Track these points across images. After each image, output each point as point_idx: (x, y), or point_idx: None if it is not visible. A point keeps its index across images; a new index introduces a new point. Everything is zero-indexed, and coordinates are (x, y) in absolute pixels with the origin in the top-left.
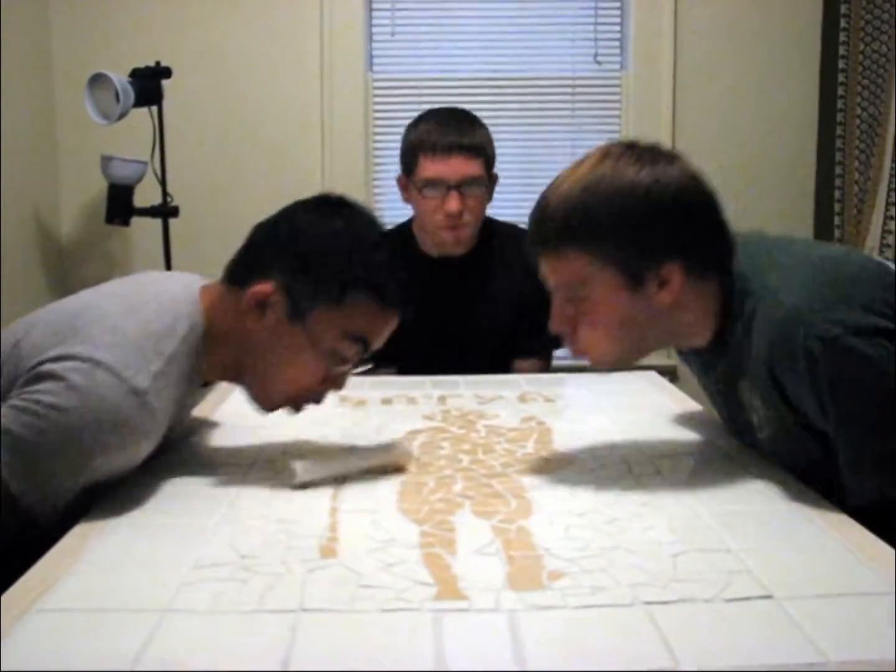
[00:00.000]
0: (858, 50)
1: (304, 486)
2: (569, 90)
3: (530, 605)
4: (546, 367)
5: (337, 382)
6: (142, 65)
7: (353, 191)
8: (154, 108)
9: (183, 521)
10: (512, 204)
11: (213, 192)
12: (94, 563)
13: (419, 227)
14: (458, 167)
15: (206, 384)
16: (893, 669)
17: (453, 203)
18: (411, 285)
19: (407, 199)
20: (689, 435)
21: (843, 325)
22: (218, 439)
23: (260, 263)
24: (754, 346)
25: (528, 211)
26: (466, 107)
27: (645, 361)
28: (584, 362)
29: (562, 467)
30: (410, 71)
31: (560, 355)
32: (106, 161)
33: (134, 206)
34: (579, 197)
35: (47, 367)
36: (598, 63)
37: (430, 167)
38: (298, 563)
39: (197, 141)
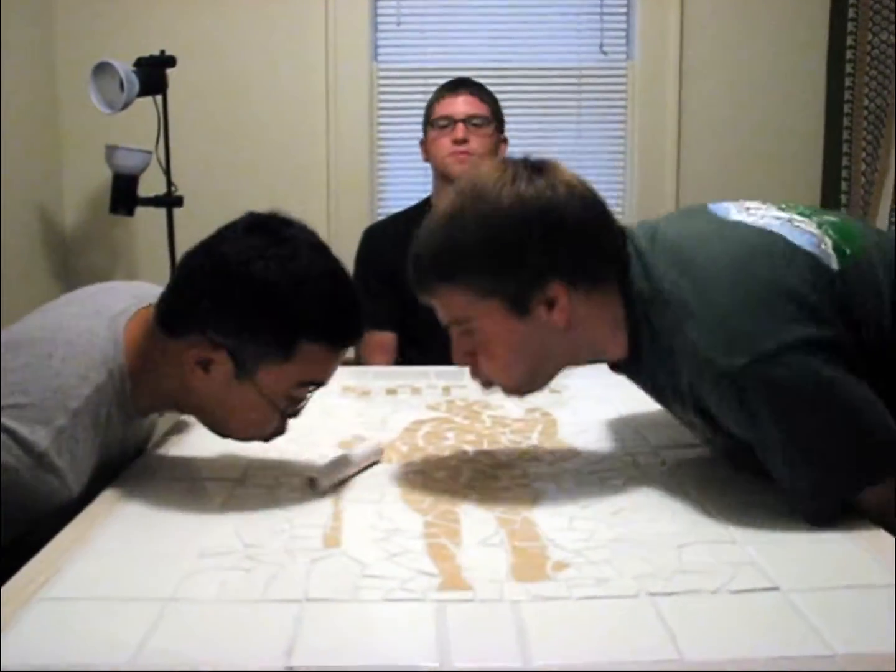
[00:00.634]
0: (866, 40)
1: (325, 492)
2: (575, 80)
3: (534, 596)
4: None
5: (295, 414)
6: (146, 54)
7: (357, 180)
8: (158, 98)
9: (187, 511)
10: None
11: (217, 181)
12: (98, 552)
13: (434, 179)
14: (464, 106)
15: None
16: None
17: (459, 131)
18: (359, 311)
19: (426, 158)
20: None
21: (746, 353)
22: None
23: (195, 316)
24: (676, 374)
25: None
26: None
27: None
28: None
29: (567, 458)
30: (416, 61)
31: None
32: (110, 150)
33: (138, 196)
34: (444, 232)
35: None
36: (604, 53)
37: (441, 108)
38: (302, 552)
39: (201, 130)
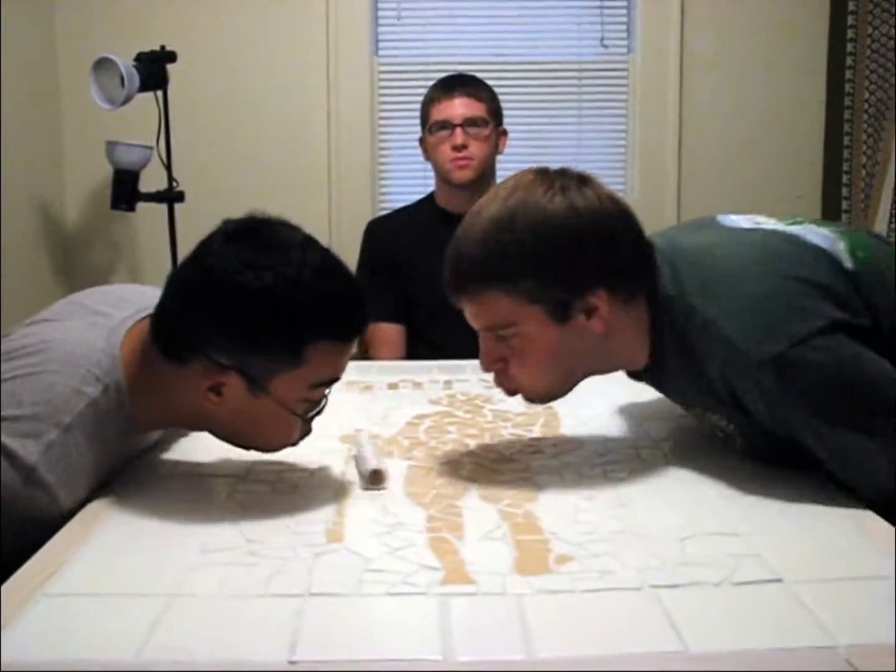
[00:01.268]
0: (867, 34)
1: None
2: (575, 74)
3: (538, 590)
4: None
5: (317, 415)
6: (147, 49)
7: (358, 175)
8: (159, 93)
9: (189, 507)
10: None
11: (218, 177)
12: (101, 548)
13: (436, 179)
14: (461, 109)
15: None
16: None
17: (458, 137)
18: (361, 299)
19: (426, 157)
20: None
21: (778, 340)
22: None
23: (195, 342)
24: (704, 376)
25: None
26: None
27: None
28: None
29: (569, 452)
30: (416, 55)
31: None
32: (111, 146)
33: (139, 192)
34: (494, 235)
35: None
36: (605, 47)
37: (438, 112)
38: (305, 547)
39: (202, 126)
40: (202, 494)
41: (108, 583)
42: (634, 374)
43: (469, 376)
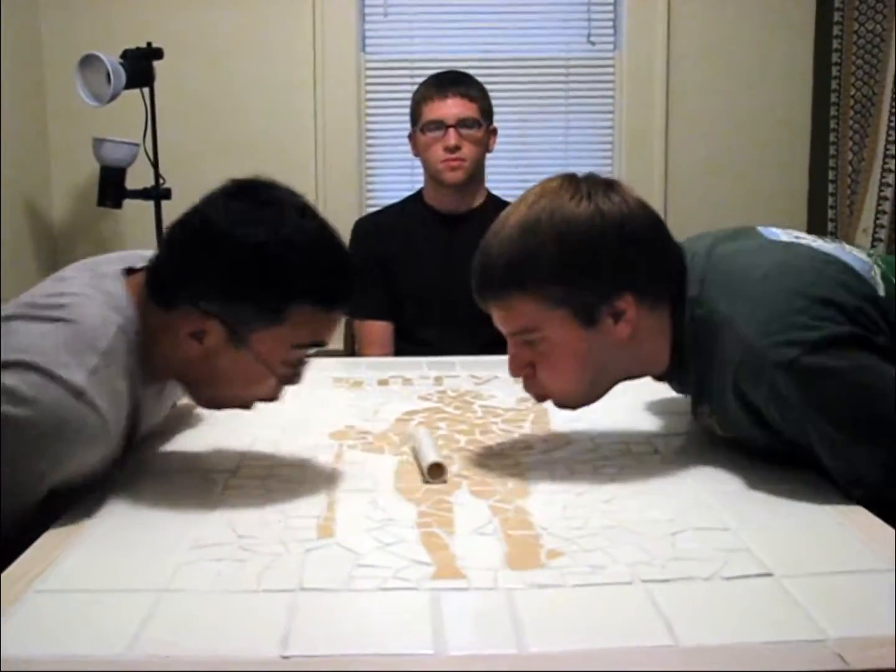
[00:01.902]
0: (853, 30)
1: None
2: (562, 71)
3: (529, 584)
4: None
5: (293, 380)
6: (133, 46)
7: (345, 172)
8: (146, 90)
9: (180, 503)
10: (506, 184)
11: (205, 173)
12: (92, 545)
13: (426, 177)
14: (454, 109)
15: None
16: (892, 646)
17: (451, 138)
18: (351, 271)
19: (416, 153)
20: (687, 415)
21: (798, 345)
22: (212, 420)
23: (184, 287)
24: (716, 376)
25: (522, 191)
26: None
27: None
28: None
29: (560, 447)
30: (403, 52)
31: None
32: (97, 143)
33: (126, 189)
34: (520, 240)
35: None
36: (592, 43)
37: (431, 111)
38: (296, 542)
39: (189, 122)
40: (193, 490)
41: (100, 578)
42: (657, 377)
43: (459, 372)
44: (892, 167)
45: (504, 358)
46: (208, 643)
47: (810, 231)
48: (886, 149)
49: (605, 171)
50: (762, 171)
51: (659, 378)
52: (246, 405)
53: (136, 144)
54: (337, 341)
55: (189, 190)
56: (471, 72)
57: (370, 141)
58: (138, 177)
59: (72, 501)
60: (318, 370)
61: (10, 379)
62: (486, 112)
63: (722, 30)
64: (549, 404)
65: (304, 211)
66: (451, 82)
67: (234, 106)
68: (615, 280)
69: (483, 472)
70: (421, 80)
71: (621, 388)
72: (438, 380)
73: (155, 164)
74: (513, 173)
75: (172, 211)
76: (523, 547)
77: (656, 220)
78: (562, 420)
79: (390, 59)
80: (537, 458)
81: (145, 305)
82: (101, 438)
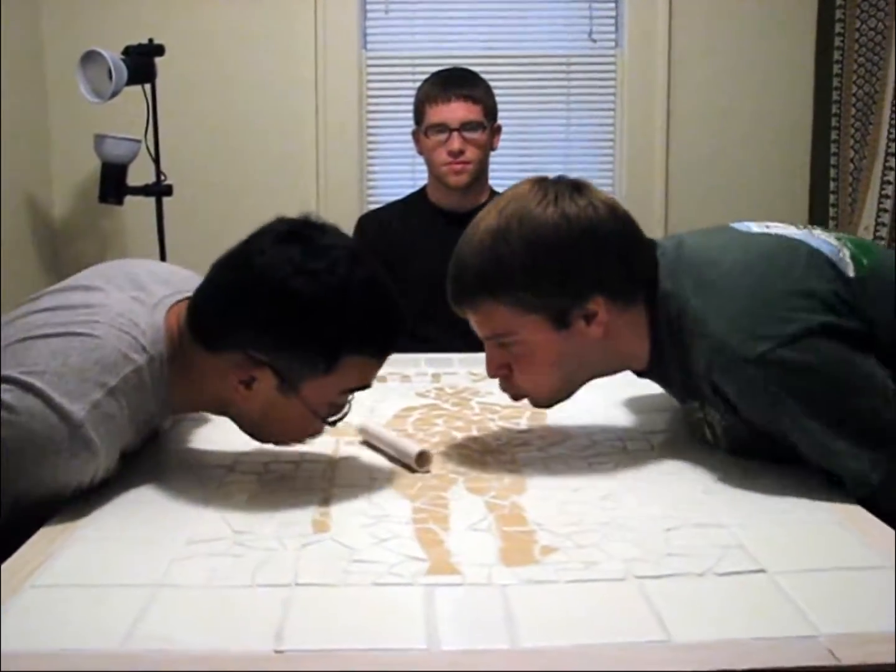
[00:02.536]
0: (854, 28)
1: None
2: (563, 68)
3: (523, 580)
4: None
5: (336, 421)
6: (135, 42)
7: (347, 169)
8: (147, 86)
9: (176, 498)
10: (508, 181)
11: (206, 170)
12: (87, 540)
13: (430, 176)
14: (458, 112)
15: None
16: (885, 642)
17: (455, 142)
18: (401, 318)
19: (420, 151)
20: (682, 412)
21: (767, 339)
22: (209, 417)
23: (234, 334)
24: (693, 372)
25: None
26: None
27: None
28: None
29: (555, 444)
30: (404, 49)
31: None
32: (99, 139)
33: (127, 185)
34: (490, 248)
35: None
36: (593, 41)
37: (435, 114)
38: (292, 538)
39: (191, 119)
40: (189, 486)
41: (96, 574)
42: (639, 372)
43: (457, 369)
44: (893, 165)
45: None
46: (203, 637)
47: None
48: (888, 147)
49: (605, 168)
50: (763, 170)
51: (640, 374)
52: (292, 443)
53: (138, 141)
54: None
55: (190, 186)
56: (472, 69)
57: (371, 138)
58: (140, 173)
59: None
60: None
61: (10, 397)
62: (491, 111)
63: (723, 27)
64: None
65: (355, 257)
66: (455, 83)
67: (235, 103)
68: (584, 284)
69: (479, 469)
70: (422, 76)
71: (617, 385)
72: (436, 377)
73: (156, 161)
74: (514, 170)
75: (174, 207)
76: (518, 543)
77: (625, 220)
78: (559, 417)
79: (391, 56)
80: (533, 454)
81: (185, 341)
82: (89, 467)
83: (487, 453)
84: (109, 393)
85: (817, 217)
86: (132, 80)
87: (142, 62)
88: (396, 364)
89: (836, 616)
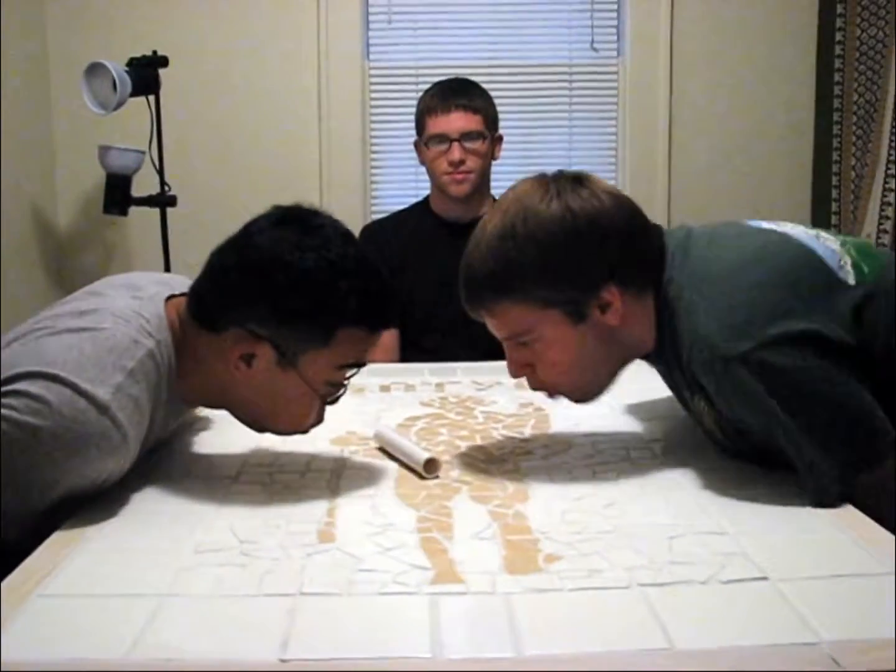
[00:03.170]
0: (855, 35)
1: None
2: (566, 77)
3: (527, 588)
4: None
5: (334, 400)
6: (139, 54)
7: (350, 179)
8: (151, 98)
9: (182, 508)
10: None
11: (211, 181)
12: (94, 550)
13: (432, 186)
14: (458, 123)
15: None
16: (887, 649)
17: (455, 153)
18: (392, 295)
19: (422, 162)
20: (686, 420)
21: (748, 339)
22: (215, 426)
23: (234, 312)
24: (684, 362)
25: None
26: None
27: None
28: None
29: (559, 453)
30: (407, 59)
31: None
32: (103, 151)
33: (132, 196)
34: (499, 249)
35: (9, 385)
36: (595, 50)
37: (435, 125)
38: (297, 547)
39: (194, 130)
40: (195, 496)
41: (102, 583)
42: (644, 356)
43: (460, 378)
44: (895, 173)
45: (505, 363)
46: (209, 647)
47: None
48: (889, 154)
49: (608, 177)
50: (765, 178)
51: (644, 357)
52: (294, 428)
53: (142, 152)
54: None
55: (194, 197)
56: (474, 78)
57: (375, 148)
58: (144, 184)
59: (76, 507)
60: None
61: (35, 388)
62: (491, 121)
63: (724, 36)
64: (551, 409)
65: (346, 237)
66: (455, 94)
67: (239, 113)
68: (596, 274)
69: (483, 478)
70: (425, 86)
71: (620, 392)
72: (440, 386)
73: (160, 172)
74: (517, 179)
75: (178, 218)
76: (522, 551)
77: (629, 206)
78: (562, 426)
79: (394, 66)
80: (537, 463)
81: (186, 329)
82: (119, 452)
83: (491, 462)
84: (129, 374)
85: (819, 224)
86: (136, 92)
87: (146, 74)
88: (400, 373)
89: (839, 623)
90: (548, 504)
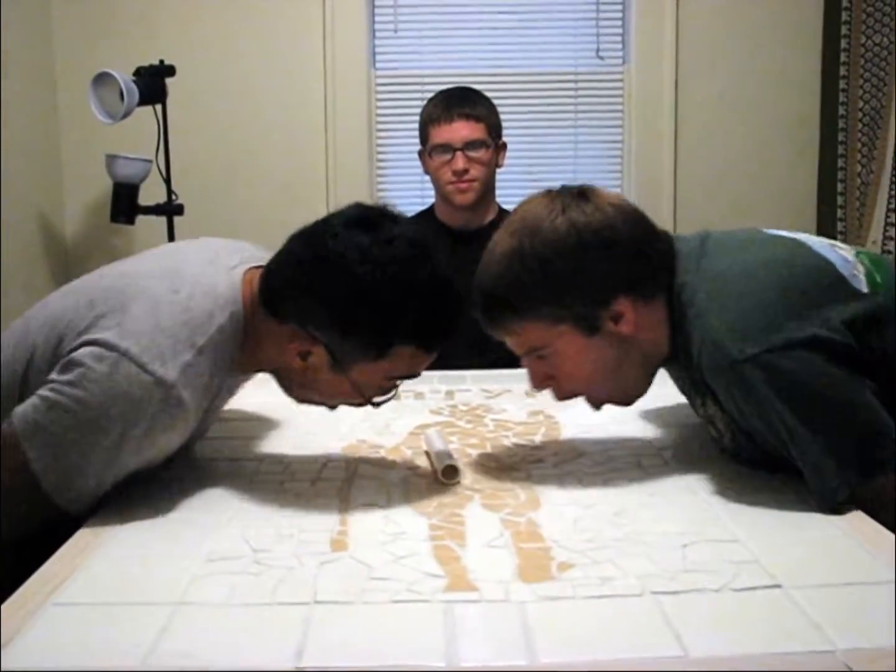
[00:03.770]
0: (860, 42)
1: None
2: (571, 85)
3: (540, 596)
4: None
5: (379, 404)
6: (146, 63)
7: (356, 187)
8: (158, 107)
9: (195, 516)
10: (516, 198)
11: (217, 189)
12: (109, 558)
13: (437, 195)
14: (461, 131)
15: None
16: None
17: (459, 162)
18: (457, 314)
19: (426, 171)
20: (697, 427)
21: (758, 343)
22: (227, 436)
23: (297, 309)
24: (694, 365)
25: None
26: None
27: None
28: None
29: (570, 460)
30: (413, 67)
31: None
32: (110, 160)
33: (139, 205)
34: (508, 269)
35: (77, 354)
36: (600, 58)
37: (438, 135)
38: (310, 556)
39: (201, 139)
40: (208, 504)
41: (116, 592)
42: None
43: (470, 386)
44: None
45: (514, 371)
46: (223, 656)
47: None
48: (895, 161)
49: (614, 184)
50: (771, 185)
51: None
52: (332, 408)
53: (149, 161)
54: None
55: (201, 205)
56: (480, 87)
57: (381, 156)
58: (151, 193)
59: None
60: None
61: (104, 366)
62: (495, 129)
63: (729, 44)
64: (561, 416)
65: (420, 250)
66: (457, 103)
67: (245, 122)
68: (605, 287)
69: (495, 486)
70: (431, 94)
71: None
72: (450, 394)
73: (167, 181)
74: (522, 188)
75: (185, 226)
76: (534, 559)
77: (634, 216)
78: (573, 433)
79: (400, 75)
80: (549, 470)
81: (255, 305)
82: (180, 428)
83: (502, 470)
84: (199, 352)
85: (825, 231)
86: (143, 101)
87: (153, 83)
88: (410, 381)
89: (853, 631)
90: (560, 512)
